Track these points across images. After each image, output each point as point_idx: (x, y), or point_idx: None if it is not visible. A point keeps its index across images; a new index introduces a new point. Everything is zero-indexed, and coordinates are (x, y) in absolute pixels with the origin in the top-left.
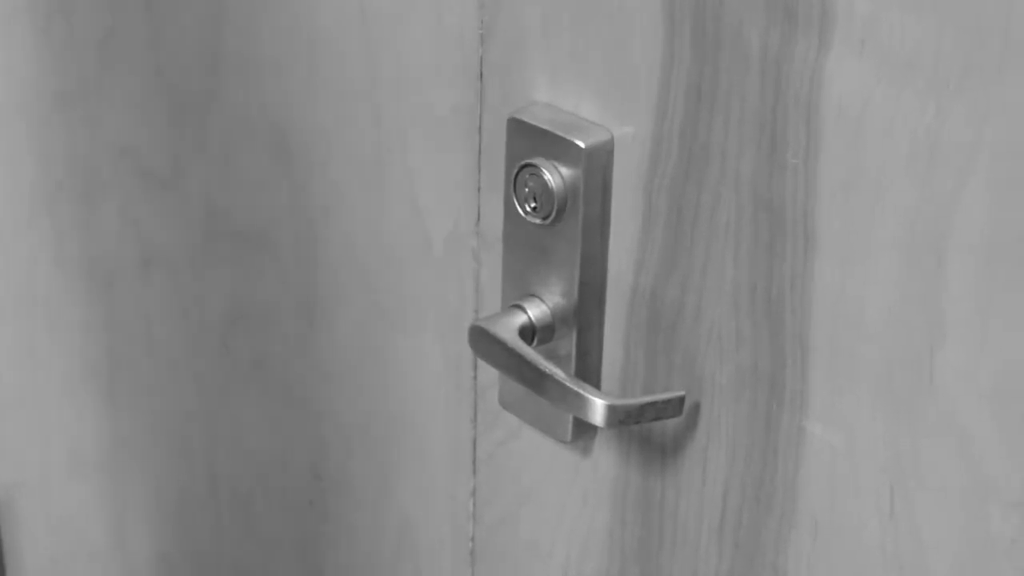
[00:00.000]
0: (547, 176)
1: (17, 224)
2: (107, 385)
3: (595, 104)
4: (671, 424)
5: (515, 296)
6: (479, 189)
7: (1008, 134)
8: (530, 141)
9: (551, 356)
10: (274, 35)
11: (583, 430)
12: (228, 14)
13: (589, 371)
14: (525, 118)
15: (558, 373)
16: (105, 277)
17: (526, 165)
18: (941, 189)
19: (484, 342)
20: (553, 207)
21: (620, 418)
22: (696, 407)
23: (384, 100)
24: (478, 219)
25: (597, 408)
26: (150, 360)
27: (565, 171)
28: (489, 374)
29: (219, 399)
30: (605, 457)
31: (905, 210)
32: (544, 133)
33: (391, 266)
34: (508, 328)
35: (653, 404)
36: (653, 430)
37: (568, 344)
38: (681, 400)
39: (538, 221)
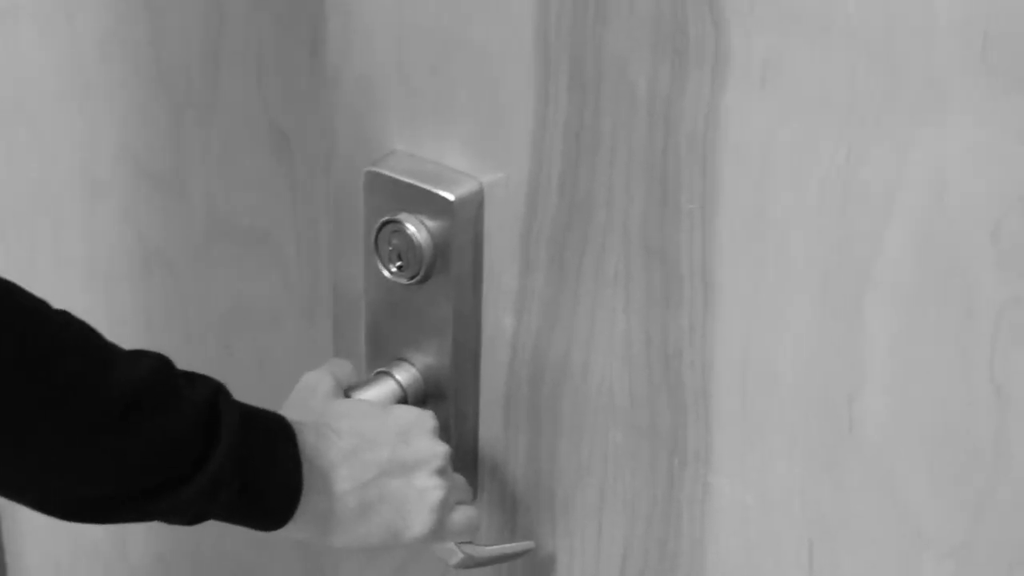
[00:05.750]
0: (412, 232)
1: (17, 224)
2: None
3: (461, 152)
4: (560, 485)
5: (381, 362)
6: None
7: (932, 173)
8: (391, 195)
9: None
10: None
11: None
12: (228, 14)
13: (466, 437)
14: (383, 170)
15: None
16: (105, 277)
17: (389, 221)
18: (858, 232)
19: None
20: (421, 265)
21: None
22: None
23: None
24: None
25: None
26: None
27: (432, 225)
28: None
29: None
30: (484, 521)
31: (818, 255)
32: (407, 186)
33: None
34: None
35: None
36: (540, 493)
37: (445, 408)
38: (530, 550)
39: (405, 281)
